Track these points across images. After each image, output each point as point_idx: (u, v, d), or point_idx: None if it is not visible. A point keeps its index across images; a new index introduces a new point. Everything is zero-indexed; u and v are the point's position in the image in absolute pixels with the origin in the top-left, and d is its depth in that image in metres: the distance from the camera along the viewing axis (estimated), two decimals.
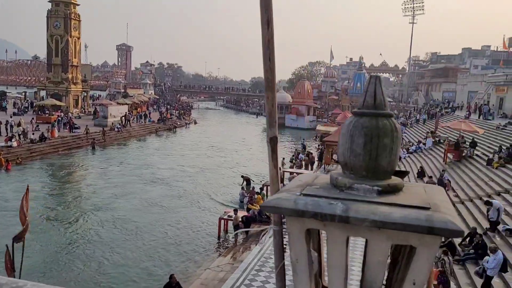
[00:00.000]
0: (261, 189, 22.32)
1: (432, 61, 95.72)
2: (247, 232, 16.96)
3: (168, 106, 76.98)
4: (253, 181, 25.85)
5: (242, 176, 26.49)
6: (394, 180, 1.63)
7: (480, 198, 17.59)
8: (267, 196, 22.57)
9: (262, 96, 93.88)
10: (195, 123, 65.89)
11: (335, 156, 30.42)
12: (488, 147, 26.35)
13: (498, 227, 13.70)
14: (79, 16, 52.97)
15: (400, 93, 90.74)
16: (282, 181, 24.64)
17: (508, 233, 13.18)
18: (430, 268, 1.41)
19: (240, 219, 16.66)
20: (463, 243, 13.33)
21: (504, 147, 22.92)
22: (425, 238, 1.38)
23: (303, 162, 30.33)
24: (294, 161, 31.75)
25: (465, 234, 13.50)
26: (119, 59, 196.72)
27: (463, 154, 25.77)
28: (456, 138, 27.78)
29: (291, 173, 26.55)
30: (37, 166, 29.43)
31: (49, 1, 51.52)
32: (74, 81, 53.14)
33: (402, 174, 1.78)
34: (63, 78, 51.81)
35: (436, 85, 75.13)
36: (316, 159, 31.13)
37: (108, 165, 31.64)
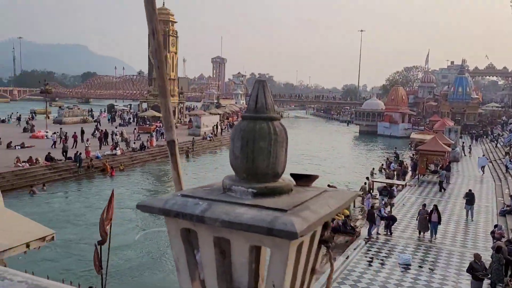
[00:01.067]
0: None
1: None
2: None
3: None
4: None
5: (328, 185, 25.95)
6: (278, 183, 1.63)
7: None
8: (354, 206, 21.85)
9: (353, 104, 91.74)
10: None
11: (431, 166, 28.56)
12: None
13: None
14: (176, 32, 56.60)
15: (510, 98, 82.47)
16: (370, 191, 23.68)
17: None
18: (286, 269, 1.41)
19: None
20: None
21: None
22: (276, 241, 1.38)
23: (394, 172, 28.82)
24: (386, 170, 30.37)
25: None
26: (214, 71, 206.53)
27: None
28: None
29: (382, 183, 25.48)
30: (137, 172, 31.80)
31: None
32: (172, 94, 56.67)
33: (308, 178, 1.80)
34: None
35: None
36: (409, 169, 29.40)
37: (201, 170, 33.46)
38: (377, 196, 22.28)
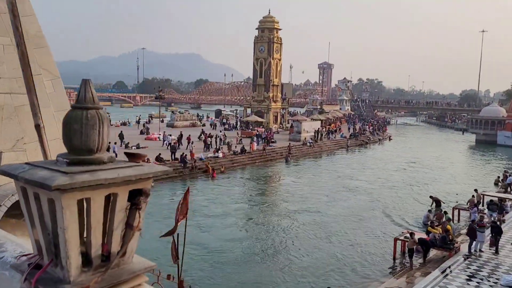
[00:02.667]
0: (446, 212, 20.03)
1: None
2: (425, 256, 15.51)
3: (364, 122, 76.49)
4: (444, 202, 23.45)
5: (430, 197, 24.35)
6: (91, 156, 2.12)
7: None
8: (452, 220, 20.22)
9: (471, 111, 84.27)
10: (390, 139, 63.45)
11: None
12: None
13: None
14: (280, 39, 57.83)
15: None
16: (480, 204, 21.69)
17: None
18: (62, 216, 1.87)
19: (416, 242, 15.34)
20: None
21: None
22: (52, 193, 1.87)
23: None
24: (500, 183, 27.54)
25: None
26: (320, 77, 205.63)
27: None
28: None
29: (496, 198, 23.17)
30: (237, 175, 33.16)
31: (256, 29, 57.88)
32: (274, 99, 58.01)
33: (134, 155, 2.32)
34: (265, 97, 57.18)
35: None
36: None
37: (299, 175, 33.93)
38: (485, 211, 20.32)
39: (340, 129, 59.63)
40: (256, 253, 17.20)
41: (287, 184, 31.29)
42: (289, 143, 41.52)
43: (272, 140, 44.51)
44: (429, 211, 21.60)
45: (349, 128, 60.44)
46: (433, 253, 16.40)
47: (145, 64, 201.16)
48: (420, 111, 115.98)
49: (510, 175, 28.76)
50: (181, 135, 38.57)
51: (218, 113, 79.24)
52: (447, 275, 13.83)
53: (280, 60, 58.68)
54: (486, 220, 17.91)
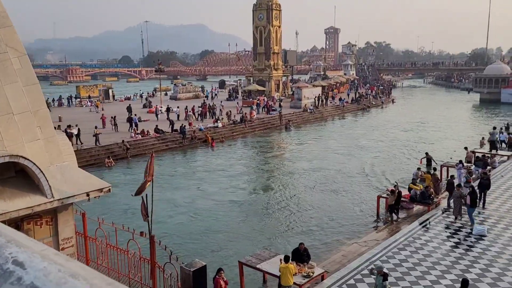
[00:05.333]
0: (435, 169, 20.61)
1: None
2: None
3: (368, 85, 76.18)
4: (434, 161, 23.92)
5: (426, 153, 24.84)
6: None
7: None
8: (450, 177, 20.77)
9: (478, 69, 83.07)
10: (393, 102, 63.44)
11: None
12: None
13: None
14: (279, 6, 57.19)
15: None
16: (462, 161, 22.08)
17: None
18: None
19: (395, 199, 16.03)
20: None
21: None
22: None
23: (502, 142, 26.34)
24: (484, 144, 27.69)
25: None
26: (327, 42, 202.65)
27: None
28: None
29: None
30: (237, 144, 33.92)
31: None
32: (276, 67, 57.99)
33: None
34: (266, 65, 57.19)
35: None
36: None
37: (299, 141, 35.04)
38: (472, 167, 20.84)
39: (348, 94, 59.68)
40: (256, 210, 18.32)
41: (286, 148, 32.63)
42: (279, 112, 41.43)
43: (273, 108, 44.95)
44: (418, 168, 22.14)
45: (348, 94, 60.50)
46: (416, 208, 17.18)
47: (151, 37, 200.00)
48: (426, 72, 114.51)
49: (501, 132, 28.87)
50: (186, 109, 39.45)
51: (222, 84, 79.54)
52: (425, 226, 14.60)
53: (280, 27, 58.21)
54: (474, 176, 18.53)
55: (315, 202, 19.44)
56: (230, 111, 39.30)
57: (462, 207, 14.82)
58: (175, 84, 63.77)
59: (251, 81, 59.59)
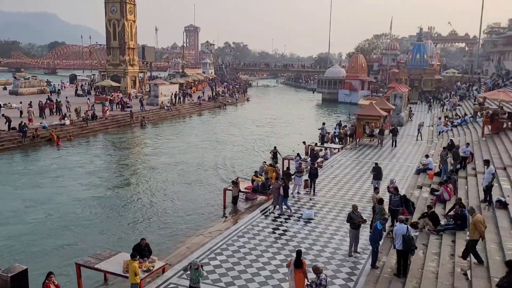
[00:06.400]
0: (276, 162, 22.53)
1: (510, 28, 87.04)
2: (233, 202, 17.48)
3: (226, 84, 78.71)
4: (280, 154, 26.04)
5: (275, 147, 26.81)
6: None
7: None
8: (283, 168, 22.84)
9: (322, 72, 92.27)
10: (248, 100, 66.86)
11: (367, 130, 29.76)
12: None
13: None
14: (134, 0, 55.45)
15: (469, 64, 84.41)
16: (299, 154, 24.45)
17: (499, 205, 12.48)
18: None
19: (238, 191, 17.21)
20: (449, 214, 12.87)
21: None
22: None
23: (333, 136, 30.06)
24: (326, 135, 31.13)
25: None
26: (187, 40, 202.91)
27: (504, 126, 23.96)
28: (495, 109, 25.82)
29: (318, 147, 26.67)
30: (86, 142, 32.06)
31: None
32: (131, 63, 56.15)
33: None
34: (120, 60, 54.99)
35: (509, 54, 68.90)
36: (348, 133, 30.46)
37: (154, 138, 34.96)
38: (308, 159, 23.31)
39: (204, 92, 60.61)
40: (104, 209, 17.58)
41: (145, 145, 32.38)
42: (130, 111, 40.38)
43: (128, 105, 43.59)
44: (264, 162, 23.93)
45: (203, 92, 61.77)
46: (259, 198, 18.61)
47: None
48: (279, 73, 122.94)
49: (335, 128, 32.84)
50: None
51: (73, 78, 74.00)
52: (264, 214, 15.94)
53: (135, 21, 56.45)
54: (303, 166, 20.74)
55: (171, 195, 20.05)
56: (80, 108, 36.88)
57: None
58: (15, 78, 57.04)
59: (106, 76, 56.71)
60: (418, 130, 31.22)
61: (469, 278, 9.05)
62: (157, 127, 40.51)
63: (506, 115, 24.50)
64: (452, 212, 12.53)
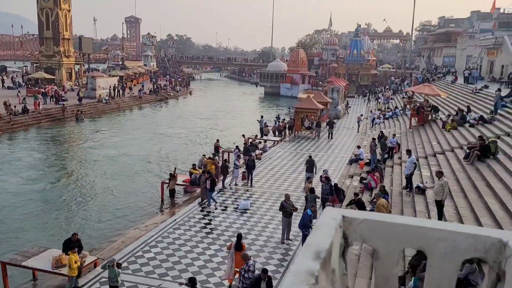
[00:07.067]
0: (214, 154, 22.65)
1: (440, 26, 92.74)
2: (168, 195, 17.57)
3: (168, 77, 77.37)
4: (221, 147, 26.20)
5: (217, 140, 26.86)
6: None
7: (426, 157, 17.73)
8: (223, 161, 23.05)
9: (264, 66, 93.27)
10: (191, 94, 66.31)
11: (306, 123, 30.69)
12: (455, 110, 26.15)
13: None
14: None
15: (403, 59, 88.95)
16: (239, 147, 24.80)
17: (418, 190, 13.51)
18: None
19: (175, 184, 17.26)
20: (373, 200, 13.74)
21: (461, 111, 22.79)
22: None
23: (274, 129, 30.69)
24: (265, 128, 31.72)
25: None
26: (128, 31, 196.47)
27: (429, 118, 25.70)
28: (421, 102, 27.63)
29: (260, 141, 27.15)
30: (17, 137, 30.47)
31: None
32: (67, 54, 53.74)
33: None
34: (55, 52, 52.48)
35: (438, 50, 73.33)
36: (287, 125, 31.22)
37: (92, 132, 33.73)
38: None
39: (143, 85, 59.08)
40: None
41: (82, 139, 31.31)
42: (63, 105, 38.77)
43: (63, 98, 41.77)
44: (203, 155, 24.01)
45: (143, 86, 60.20)
46: (198, 191, 18.70)
47: None
48: (222, 66, 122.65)
49: (275, 121, 33.51)
50: None
51: (2, 70, 69.51)
52: (202, 206, 16.11)
53: (69, 11, 53.95)
54: (242, 160, 21.10)
55: (111, 188, 19.74)
56: (9, 101, 34.87)
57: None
58: None
59: (39, 68, 53.84)
60: (358, 122, 32.66)
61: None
62: (95, 120, 39.22)
63: (430, 107, 26.30)
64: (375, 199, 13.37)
